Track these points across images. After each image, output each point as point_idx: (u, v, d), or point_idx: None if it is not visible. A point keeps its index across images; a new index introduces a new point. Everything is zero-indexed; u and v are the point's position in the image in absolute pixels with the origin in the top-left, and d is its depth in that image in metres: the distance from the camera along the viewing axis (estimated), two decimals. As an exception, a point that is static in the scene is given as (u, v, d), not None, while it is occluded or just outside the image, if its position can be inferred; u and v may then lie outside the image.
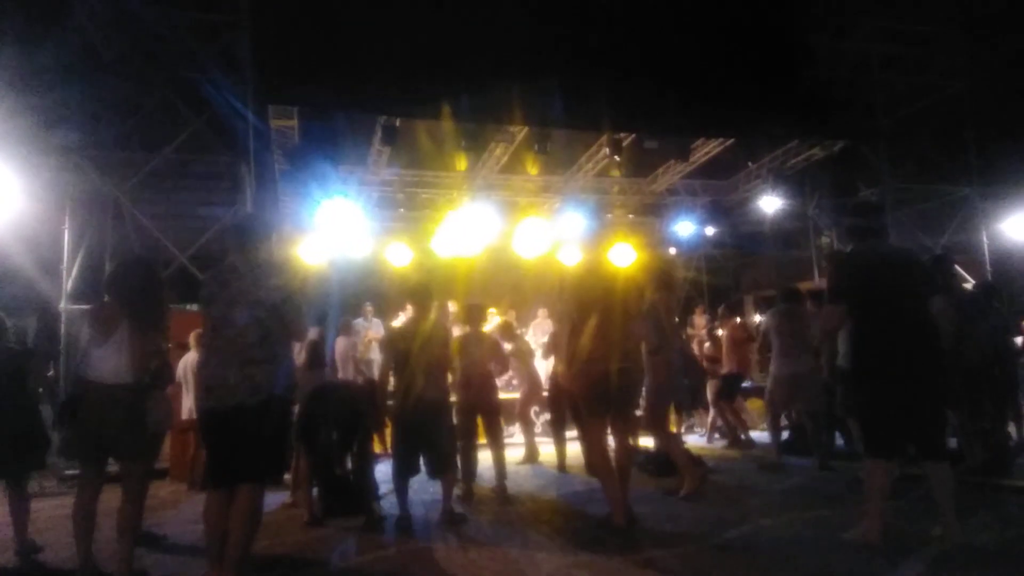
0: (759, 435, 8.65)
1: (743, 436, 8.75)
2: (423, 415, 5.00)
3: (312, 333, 6.27)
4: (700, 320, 11.15)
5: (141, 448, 3.89)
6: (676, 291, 5.93)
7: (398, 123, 9.54)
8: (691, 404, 8.80)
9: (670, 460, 6.56)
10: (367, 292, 11.52)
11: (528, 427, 8.32)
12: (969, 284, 9.14)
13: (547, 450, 8.24)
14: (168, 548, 4.66)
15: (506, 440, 8.24)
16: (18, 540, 4.53)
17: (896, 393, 3.81)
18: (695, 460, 6.90)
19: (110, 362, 3.79)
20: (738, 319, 8.85)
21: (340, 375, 8.60)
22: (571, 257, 11.87)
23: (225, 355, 3.47)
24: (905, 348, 3.81)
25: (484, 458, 6.38)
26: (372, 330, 11.13)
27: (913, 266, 4.06)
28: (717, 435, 9.50)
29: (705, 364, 9.45)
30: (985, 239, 11.33)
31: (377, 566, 4.11)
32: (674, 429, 8.42)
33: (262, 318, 3.50)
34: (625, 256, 10.74)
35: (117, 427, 3.75)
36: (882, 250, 4.06)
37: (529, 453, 8.05)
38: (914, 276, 3.99)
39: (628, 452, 4.91)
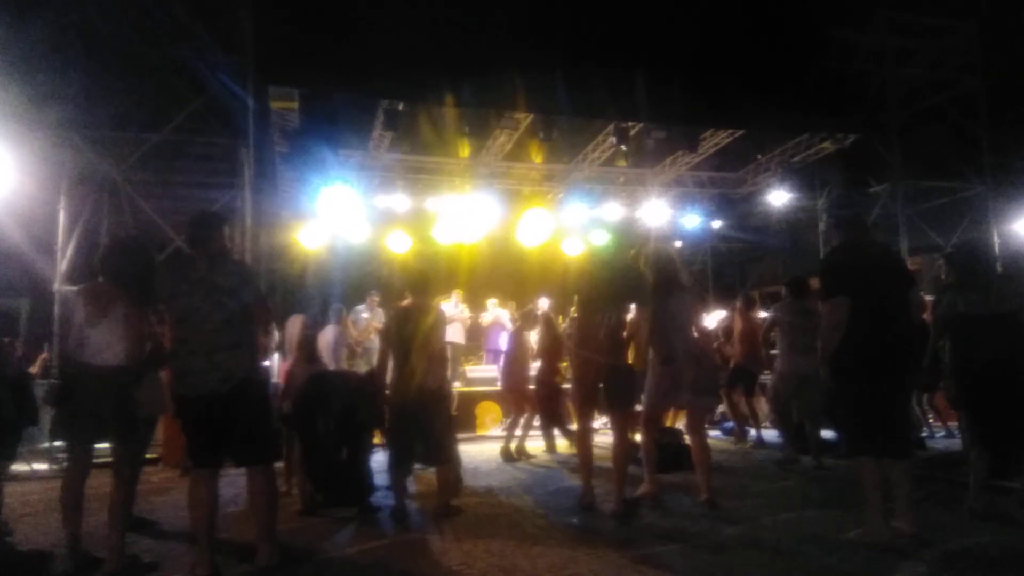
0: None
1: (753, 433, 8.59)
2: (421, 404, 4.96)
3: (295, 323, 6.13)
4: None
5: (132, 431, 3.89)
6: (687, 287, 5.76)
7: (401, 107, 9.42)
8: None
9: (670, 455, 6.47)
10: (367, 279, 11.43)
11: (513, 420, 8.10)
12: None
13: (537, 444, 8.15)
14: (159, 533, 4.65)
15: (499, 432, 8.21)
16: None
17: (878, 390, 3.85)
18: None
19: (105, 343, 3.82)
20: (751, 311, 8.64)
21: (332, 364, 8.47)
22: (573, 248, 11.79)
23: (192, 344, 3.56)
24: (887, 345, 3.84)
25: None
26: (375, 320, 11.01)
27: (893, 263, 4.11)
28: (719, 433, 9.39)
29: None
30: (996, 237, 11.18)
31: (371, 556, 4.08)
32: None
33: (224, 304, 3.60)
34: (624, 248, 10.59)
35: (110, 409, 3.78)
36: (868, 247, 4.11)
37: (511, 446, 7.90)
38: (897, 272, 4.05)
39: (624, 446, 4.96)
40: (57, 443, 7.82)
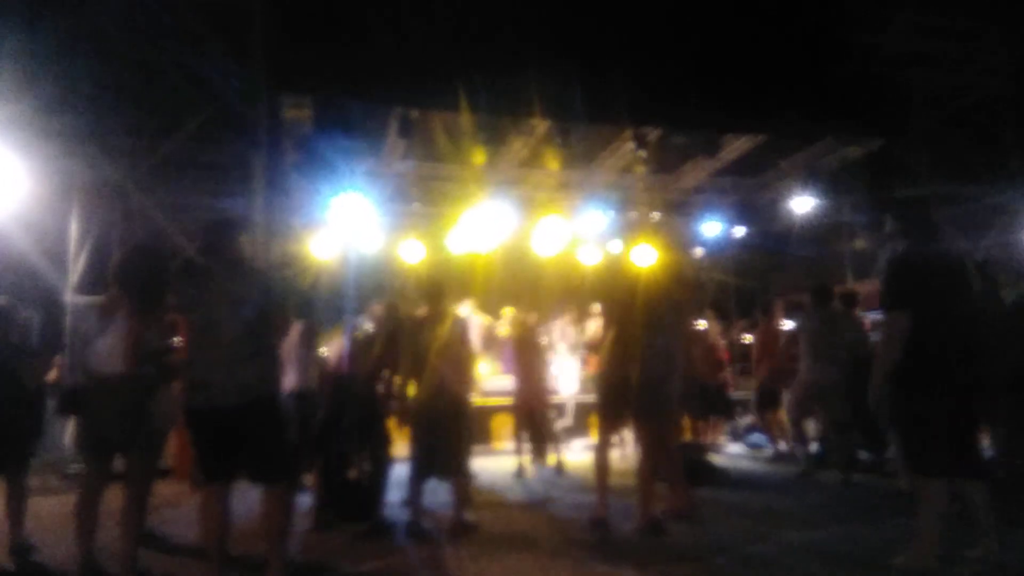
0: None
1: (778, 448, 8.36)
2: (441, 414, 4.94)
3: (293, 331, 6.04)
4: (713, 326, 10.78)
5: (141, 442, 3.85)
6: (695, 295, 5.68)
7: (415, 115, 9.33)
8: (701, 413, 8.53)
9: (695, 470, 6.28)
10: (380, 289, 11.30)
11: (519, 435, 7.92)
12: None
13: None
14: (169, 548, 4.65)
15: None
16: (12, 539, 4.46)
17: (947, 407, 3.62)
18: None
19: (110, 352, 3.79)
20: (772, 322, 8.43)
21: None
22: (591, 256, 11.64)
23: (212, 355, 3.49)
24: (956, 359, 3.62)
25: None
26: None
27: (965, 270, 3.84)
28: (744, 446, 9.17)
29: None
30: (1024, 242, 10.94)
31: (384, 573, 4.08)
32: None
33: (245, 315, 3.52)
34: (649, 257, 10.44)
35: (117, 419, 3.75)
36: (935, 253, 3.85)
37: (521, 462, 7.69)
38: (966, 281, 3.79)
39: (650, 460, 4.85)
40: (68, 456, 7.82)
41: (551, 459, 7.78)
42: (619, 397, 4.79)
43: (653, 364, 4.69)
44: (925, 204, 4.17)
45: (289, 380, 6.41)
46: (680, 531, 4.74)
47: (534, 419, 7.86)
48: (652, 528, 4.63)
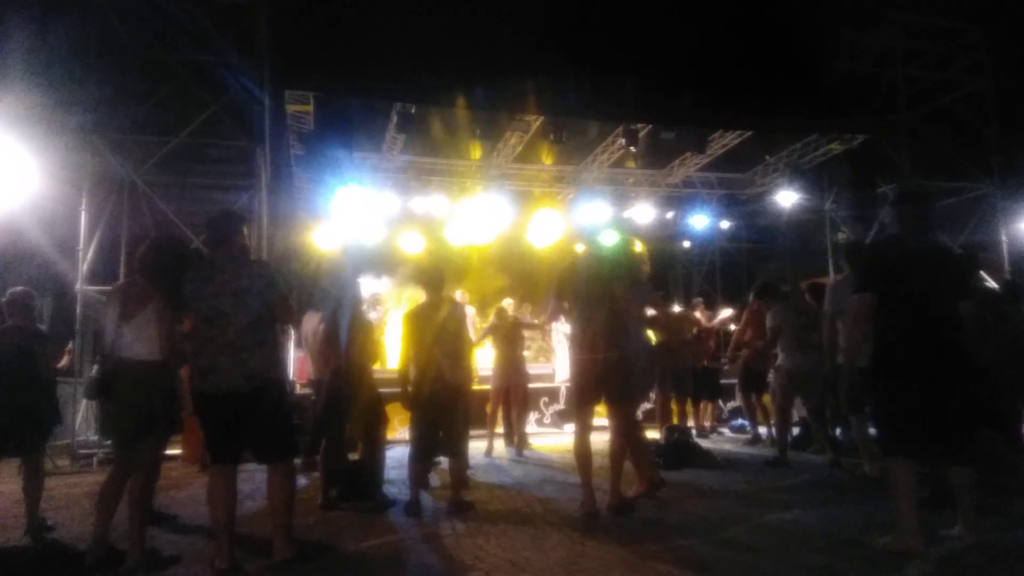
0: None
1: (756, 432, 8.67)
2: (440, 398, 5.02)
3: (310, 320, 6.21)
4: (701, 315, 11.03)
5: (167, 426, 4.02)
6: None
7: (414, 110, 9.52)
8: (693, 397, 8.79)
9: (681, 452, 6.58)
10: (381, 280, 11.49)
11: (492, 421, 8.20)
12: (993, 284, 8.98)
13: (546, 441, 8.27)
14: (179, 528, 4.73)
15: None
16: (29, 519, 4.59)
17: (919, 392, 3.66)
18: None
19: (137, 338, 3.92)
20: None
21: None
22: (577, 248, 11.83)
23: (219, 344, 3.61)
24: (932, 347, 3.67)
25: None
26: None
27: (949, 263, 3.87)
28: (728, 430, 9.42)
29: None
30: (1004, 238, 11.20)
31: (385, 550, 4.13)
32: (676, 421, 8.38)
33: (250, 305, 3.64)
34: (611, 243, 10.67)
35: (150, 404, 3.88)
36: (919, 243, 3.84)
37: (489, 446, 8.00)
38: (949, 273, 3.80)
39: (621, 442, 4.87)
40: (79, 439, 8.05)
41: (518, 443, 8.11)
42: (587, 383, 4.77)
43: (611, 348, 4.70)
44: (922, 198, 4.21)
45: (311, 369, 6.62)
46: (667, 512, 4.83)
47: (508, 406, 8.17)
48: (621, 508, 4.68)
